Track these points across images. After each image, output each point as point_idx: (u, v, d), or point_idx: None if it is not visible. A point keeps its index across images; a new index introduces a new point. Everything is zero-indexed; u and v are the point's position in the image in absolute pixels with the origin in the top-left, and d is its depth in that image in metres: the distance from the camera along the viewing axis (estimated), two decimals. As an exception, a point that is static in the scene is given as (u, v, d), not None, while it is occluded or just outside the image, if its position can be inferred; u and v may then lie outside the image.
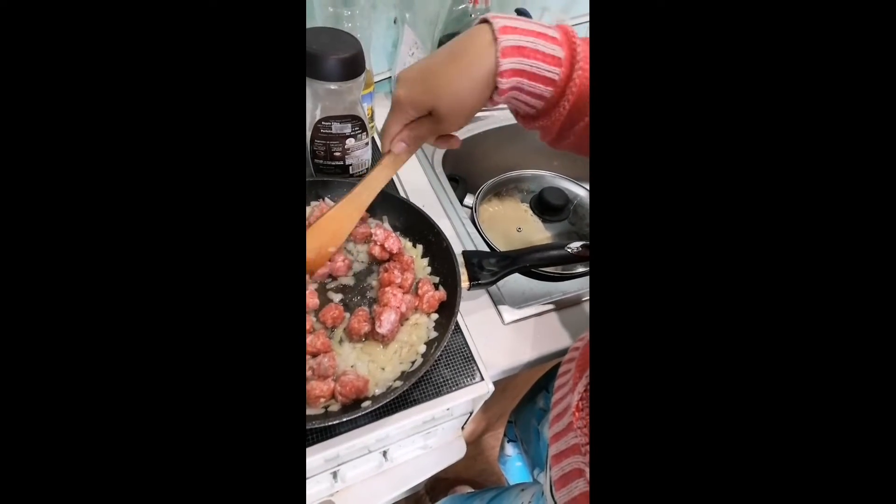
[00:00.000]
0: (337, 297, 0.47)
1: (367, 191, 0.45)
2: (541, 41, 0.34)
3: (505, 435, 0.83)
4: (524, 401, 0.72)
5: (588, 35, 0.34)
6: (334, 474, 0.46)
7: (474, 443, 1.12)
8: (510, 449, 0.82)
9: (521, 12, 0.69)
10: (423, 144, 0.41)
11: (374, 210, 0.53)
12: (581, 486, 0.32)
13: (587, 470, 0.31)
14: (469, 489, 1.04)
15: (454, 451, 0.56)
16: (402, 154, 0.41)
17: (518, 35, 0.34)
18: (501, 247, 0.59)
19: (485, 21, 0.36)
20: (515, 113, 0.42)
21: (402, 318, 0.44)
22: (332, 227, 0.47)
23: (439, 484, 1.04)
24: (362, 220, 0.51)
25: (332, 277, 0.48)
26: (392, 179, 0.63)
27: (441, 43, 0.69)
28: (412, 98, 0.37)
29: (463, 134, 0.62)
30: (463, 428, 0.56)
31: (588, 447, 0.32)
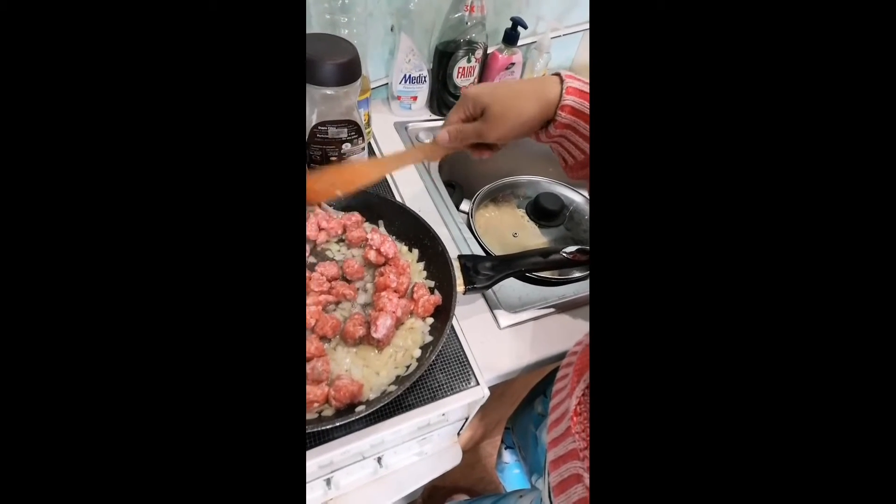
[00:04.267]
0: (346, 308, 0.46)
1: (395, 160, 0.47)
2: None
3: (502, 442, 0.82)
4: (521, 406, 0.71)
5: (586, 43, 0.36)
6: (328, 481, 0.46)
7: (471, 450, 1.11)
8: (508, 456, 0.81)
9: (517, 21, 0.70)
10: (465, 143, 0.45)
11: (369, 214, 0.53)
12: (580, 491, 0.31)
13: (585, 475, 0.31)
14: (466, 497, 1.03)
15: (450, 458, 0.56)
16: (442, 146, 0.44)
17: (582, 83, 0.40)
18: (497, 252, 0.59)
19: (554, 74, 0.42)
20: (563, 161, 0.46)
21: (398, 323, 0.44)
22: (348, 174, 0.48)
23: (436, 492, 1.03)
24: (357, 225, 0.51)
25: (346, 279, 0.48)
26: (388, 185, 0.63)
27: (437, 51, 0.70)
28: (475, 93, 0.42)
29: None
30: (459, 434, 0.56)
31: (586, 452, 0.32)
